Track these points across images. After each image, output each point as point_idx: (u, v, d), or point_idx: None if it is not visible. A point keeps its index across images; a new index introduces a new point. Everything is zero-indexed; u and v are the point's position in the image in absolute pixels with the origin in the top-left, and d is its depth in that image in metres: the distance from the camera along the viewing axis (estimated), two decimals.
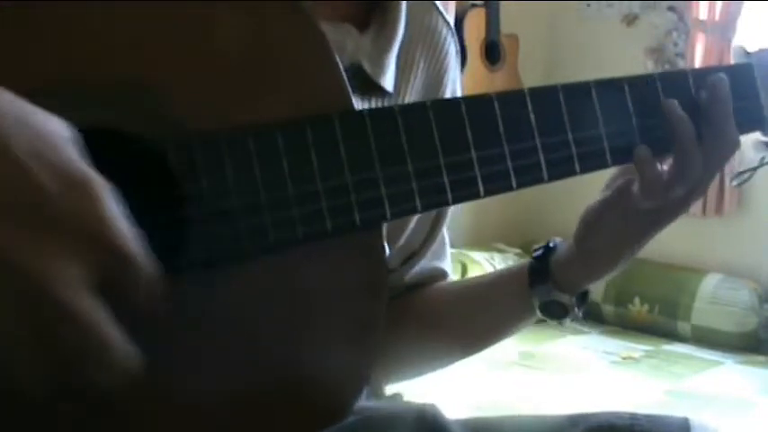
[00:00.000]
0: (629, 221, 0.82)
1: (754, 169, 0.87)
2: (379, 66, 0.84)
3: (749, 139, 0.85)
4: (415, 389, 1.01)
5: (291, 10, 0.67)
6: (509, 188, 0.73)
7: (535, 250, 0.89)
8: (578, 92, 0.77)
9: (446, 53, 0.92)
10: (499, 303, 0.92)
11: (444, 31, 0.93)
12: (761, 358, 3.37)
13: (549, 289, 0.87)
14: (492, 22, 3.75)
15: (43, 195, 0.48)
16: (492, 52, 3.76)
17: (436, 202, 0.71)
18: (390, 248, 0.90)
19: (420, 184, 0.69)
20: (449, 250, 0.99)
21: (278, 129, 0.65)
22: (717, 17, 3.65)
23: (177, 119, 0.63)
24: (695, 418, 0.82)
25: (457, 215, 1.09)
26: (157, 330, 0.62)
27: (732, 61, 0.87)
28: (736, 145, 0.79)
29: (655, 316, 3.62)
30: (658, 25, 3.87)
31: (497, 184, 0.73)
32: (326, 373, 0.67)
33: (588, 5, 4.10)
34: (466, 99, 0.73)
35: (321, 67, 0.68)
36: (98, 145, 0.55)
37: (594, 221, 0.84)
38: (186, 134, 0.63)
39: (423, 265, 0.96)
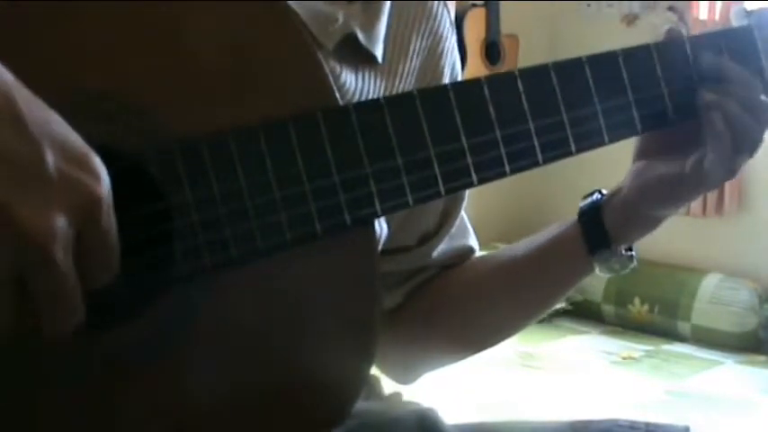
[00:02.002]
0: (689, 185, 0.81)
1: None
2: (372, 33, 0.82)
3: None
4: (414, 388, 1.01)
5: (269, 9, 0.65)
6: (503, 175, 0.71)
7: (583, 213, 0.87)
8: (571, 69, 0.74)
9: (439, 21, 0.90)
10: (554, 271, 0.90)
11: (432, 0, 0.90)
12: (761, 358, 3.37)
13: (611, 253, 0.85)
14: (492, 22, 3.75)
15: (46, 163, 0.51)
16: (492, 52, 3.76)
17: (428, 195, 0.68)
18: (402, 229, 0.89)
19: (410, 178, 0.67)
20: (470, 226, 0.97)
21: (260, 130, 0.63)
22: (717, 17, 3.65)
23: (159, 128, 0.62)
24: (694, 422, 0.81)
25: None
26: (155, 338, 0.62)
27: (733, 23, 0.85)
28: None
29: (655, 316, 3.62)
30: (658, 25, 3.86)
31: (491, 172, 0.70)
32: (324, 375, 0.66)
33: (588, 5, 4.09)
34: (454, 85, 0.70)
35: (302, 65, 0.66)
36: None
37: (654, 193, 0.83)
38: (167, 143, 0.61)
39: (448, 245, 0.94)
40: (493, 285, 0.93)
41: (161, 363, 0.63)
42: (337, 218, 0.65)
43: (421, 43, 0.88)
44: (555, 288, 0.92)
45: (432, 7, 0.90)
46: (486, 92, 0.70)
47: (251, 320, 0.65)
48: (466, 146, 0.69)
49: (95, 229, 0.53)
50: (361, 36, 0.81)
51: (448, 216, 0.94)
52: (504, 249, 0.97)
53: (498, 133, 0.70)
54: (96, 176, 0.53)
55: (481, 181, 0.70)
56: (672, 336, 3.56)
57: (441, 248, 0.94)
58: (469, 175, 0.70)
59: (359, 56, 0.82)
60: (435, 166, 0.68)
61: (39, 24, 0.61)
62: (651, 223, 0.85)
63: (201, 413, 0.64)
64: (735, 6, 0.85)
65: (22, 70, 0.54)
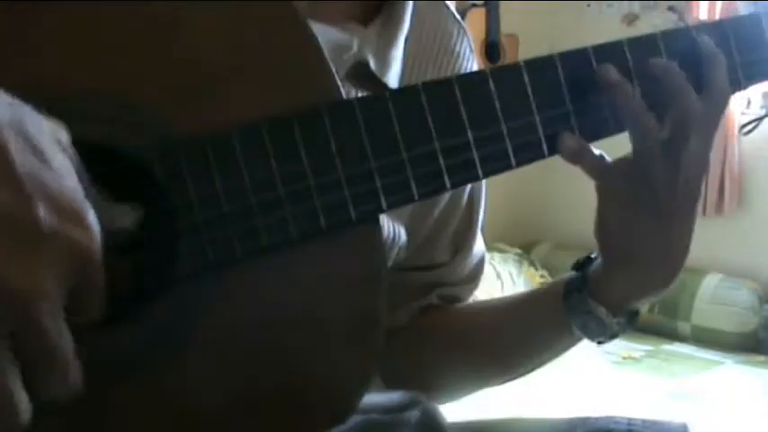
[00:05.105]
0: (639, 210, 0.75)
1: (761, 119, 0.85)
2: (384, 61, 0.81)
3: (758, 90, 0.83)
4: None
5: (277, 9, 0.65)
6: (509, 167, 0.70)
7: (576, 263, 0.82)
8: (576, 59, 0.73)
9: (458, 54, 0.89)
10: (531, 320, 0.86)
11: (455, 32, 0.89)
12: (761, 358, 3.37)
13: (584, 298, 0.80)
14: (492, 22, 3.75)
15: (37, 219, 0.48)
16: (492, 52, 3.76)
17: (433, 189, 0.68)
18: (434, 240, 0.90)
19: (415, 172, 0.66)
20: (484, 259, 0.96)
21: (263, 126, 0.63)
22: (717, 17, 3.65)
23: (159, 127, 0.62)
24: (694, 422, 0.80)
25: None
26: (157, 337, 0.62)
27: (740, 11, 0.85)
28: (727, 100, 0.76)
29: (655, 316, 3.62)
30: (658, 25, 3.86)
31: (496, 165, 0.70)
32: (329, 374, 0.66)
33: (588, 5, 4.10)
34: (459, 78, 0.69)
35: (306, 61, 0.66)
36: (82, 160, 0.54)
37: (602, 222, 0.79)
38: (170, 141, 0.61)
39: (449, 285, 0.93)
40: (477, 332, 0.92)
41: (162, 362, 0.63)
42: (342, 213, 0.65)
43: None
44: (535, 339, 0.87)
45: (451, 40, 0.88)
46: (492, 84, 0.70)
47: (254, 319, 0.65)
48: (471, 139, 0.69)
49: (86, 286, 0.51)
50: (372, 63, 0.80)
51: (470, 225, 0.93)
52: (498, 298, 0.95)
53: (504, 126, 0.70)
54: (89, 232, 0.50)
55: (486, 174, 0.70)
56: (672, 336, 3.57)
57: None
58: (475, 168, 0.69)
59: (370, 82, 0.81)
60: (441, 159, 0.68)
61: (38, 24, 0.61)
62: (633, 272, 0.77)
63: (203, 413, 0.64)
64: (737, 5, 0.84)
65: (21, 71, 0.53)
